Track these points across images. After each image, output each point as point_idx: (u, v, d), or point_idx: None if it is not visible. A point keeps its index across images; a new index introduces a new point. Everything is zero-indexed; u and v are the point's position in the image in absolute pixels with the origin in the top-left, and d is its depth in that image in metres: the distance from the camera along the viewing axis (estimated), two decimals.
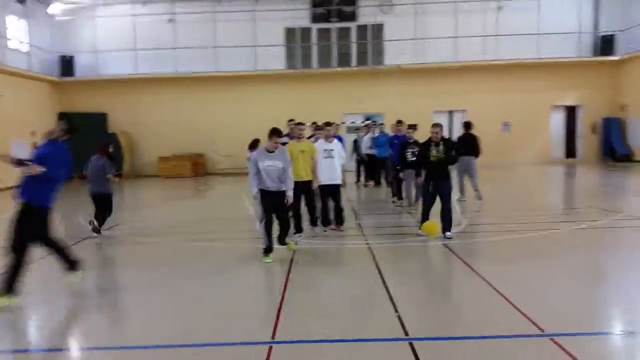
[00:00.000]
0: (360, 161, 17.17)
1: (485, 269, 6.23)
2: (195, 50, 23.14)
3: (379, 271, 6.32)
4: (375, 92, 23.71)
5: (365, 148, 16.12)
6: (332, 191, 8.78)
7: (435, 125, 8.16)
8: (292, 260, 7.00)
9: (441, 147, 8.03)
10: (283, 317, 4.77)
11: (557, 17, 23.05)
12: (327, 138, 9.02)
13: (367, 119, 23.24)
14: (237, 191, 15.82)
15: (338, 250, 7.86)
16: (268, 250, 6.96)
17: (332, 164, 8.71)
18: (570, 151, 24.50)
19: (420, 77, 23.51)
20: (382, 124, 17.29)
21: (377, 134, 15.68)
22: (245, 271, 6.63)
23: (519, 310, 4.74)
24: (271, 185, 6.88)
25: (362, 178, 17.06)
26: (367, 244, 7.94)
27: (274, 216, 7.03)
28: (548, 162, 23.55)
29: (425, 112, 23.82)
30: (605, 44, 23.08)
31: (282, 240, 7.33)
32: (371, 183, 16.27)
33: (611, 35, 23.11)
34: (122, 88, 23.68)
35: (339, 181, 8.84)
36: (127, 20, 23.25)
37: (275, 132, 6.85)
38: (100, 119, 23.66)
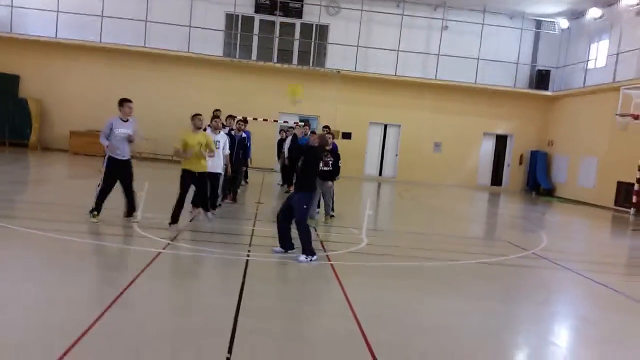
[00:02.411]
0: (284, 164, 16.30)
1: (358, 297, 5.53)
2: (124, 21, 21.42)
3: (241, 290, 5.42)
4: (313, 95, 22.91)
5: (288, 151, 15.23)
6: (213, 179, 9.34)
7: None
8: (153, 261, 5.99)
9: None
10: None
11: (498, 45, 23.23)
12: (215, 130, 9.60)
13: (302, 121, 22.45)
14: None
15: (212, 260, 6.89)
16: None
17: (217, 154, 9.26)
18: (497, 179, 24.77)
19: (359, 86, 22.97)
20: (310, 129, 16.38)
21: (301, 137, 14.81)
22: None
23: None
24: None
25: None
26: (248, 254, 7.04)
27: None
28: (474, 188, 23.65)
29: (360, 122, 23.41)
30: (541, 78, 23.51)
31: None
32: (291, 188, 15.40)
33: (547, 70, 23.56)
34: (39, 51, 21.57)
35: (220, 170, 9.64)
36: None
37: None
38: (10, 80, 21.50)
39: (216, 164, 9.38)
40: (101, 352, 3.79)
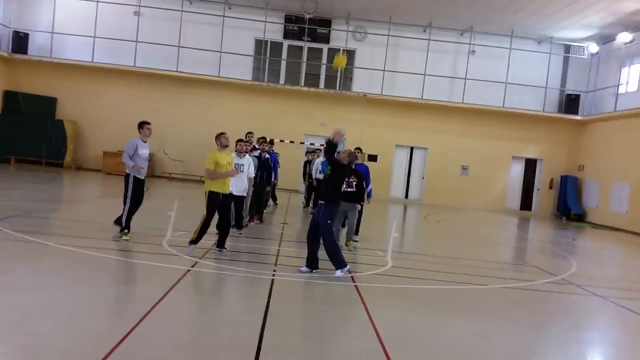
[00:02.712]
0: (310, 185, 16.39)
1: (382, 319, 5.55)
2: (157, 47, 22.22)
3: (266, 310, 5.51)
4: (339, 117, 23.11)
5: (316, 172, 15.22)
6: (238, 201, 9.60)
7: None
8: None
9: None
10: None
11: (526, 69, 23.15)
12: (240, 153, 9.66)
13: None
14: (167, 198, 14.79)
15: (238, 278, 7.01)
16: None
17: (241, 178, 9.41)
18: (526, 203, 24.40)
19: (385, 109, 23.15)
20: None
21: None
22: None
23: None
24: None
25: (312, 203, 16.23)
26: (274, 273, 7.14)
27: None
28: (502, 212, 23.34)
29: (386, 145, 23.50)
30: (570, 103, 23.26)
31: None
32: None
33: (577, 94, 23.32)
34: (76, 74, 22.47)
35: (244, 194, 9.77)
36: (91, 5, 22.17)
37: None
38: (49, 102, 22.43)
39: (241, 187, 9.52)
40: None
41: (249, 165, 9.78)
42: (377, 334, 5.09)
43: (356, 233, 10.47)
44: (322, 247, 7.35)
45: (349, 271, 7.34)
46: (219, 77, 22.55)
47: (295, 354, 4.47)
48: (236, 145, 9.64)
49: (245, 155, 9.83)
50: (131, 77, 22.54)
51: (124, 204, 8.51)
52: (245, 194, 9.80)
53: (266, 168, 11.84)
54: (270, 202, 15.49)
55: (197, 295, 6.35)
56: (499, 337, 5.62)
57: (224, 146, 8.09)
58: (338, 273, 7.21)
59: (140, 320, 4.73)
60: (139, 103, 22.16)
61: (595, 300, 7.77)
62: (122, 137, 22.13)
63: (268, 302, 5.81)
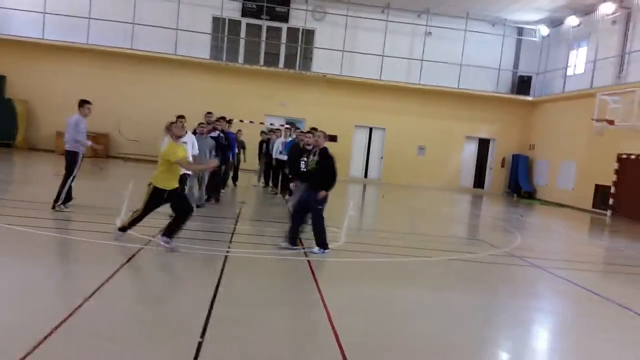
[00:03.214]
0: (268, 164, 16.49)
1: (330, 289, 5.83)
2: (111, 23, 21.61)
3: (217, 283, 5.68)
4: (299, 98, 23.28)
5: (276, 152, 15.06)
6: (181, 181, 8.45)
7: (312, 129, 7.85)
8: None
9: (316, 157, 7.65)
10: None
11: (480, 51, 23.72)
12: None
13: (289, 123, 22.72)
14: (122, 178, 14.62)
15: (192, 256, 7.13)
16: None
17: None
18: (479, 182, 25.23)
19: (345, 90, 23.33)
20: (298, 129, 16.45)
21: (290, 139, 14.75)
22: None
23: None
24: None
25: (270, 182, 16.32)
26: (228, 251, 7.30)
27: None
28: (457, 190, 24.08)
29: (346, 125, 23.74)
30: (522, 84, 24.04)
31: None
32: (277, 190, 15.63)
33: (528, 76, 24.10)
34: (25, 52, 21.67)
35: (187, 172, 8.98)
36: None
37: None
38: None
39: None
40: (79, 338, 4.04)
41: (192, 144, 9.28)
42: (324, 303, 5.35)
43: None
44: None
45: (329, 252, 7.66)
46: (175, 55, 22.18)
47: (242, 324, 4.67)
48: (176, 122, 8.41)
49: (186, 132, 9.09)
50: (84, 54, 21.89)
51: (67, 180, 8.88)
52: (189, 173, 9.06)
53: (220, 147, 11.68)
54: (230, 182, 15.53)
55: (148, 272, 6.45)
56: (437, 302, 5.99)
57: (178, 137, 7.34)
58: (315, 250, 7.58)
59: (89, 297, 4.82)
60: (93, 81, 21.59)
61: (533, 270, 8.28)
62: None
63: (220, 277, 5.98)
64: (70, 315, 4.32)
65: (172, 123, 7.73)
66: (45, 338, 3.83)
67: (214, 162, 8.18)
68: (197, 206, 10.04)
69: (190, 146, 9.07)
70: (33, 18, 21.33)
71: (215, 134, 11.33)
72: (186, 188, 9.84)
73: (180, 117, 8.79)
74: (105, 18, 21.53)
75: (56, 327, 4.03)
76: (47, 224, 7.87)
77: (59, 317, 4.22)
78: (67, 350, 3.81)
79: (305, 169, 9.19)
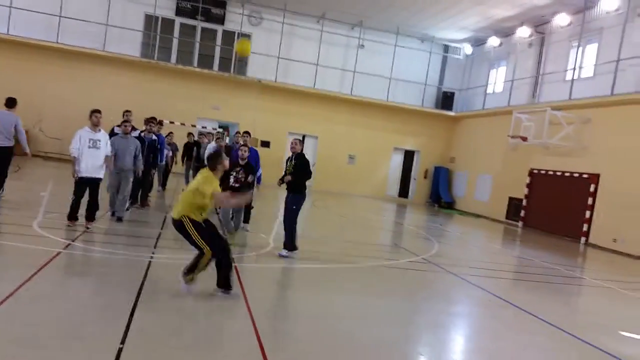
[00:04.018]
0: (197, 168, 16.20)
1: (255, 294, 6.00)
2: (36, 15, 20.57)
3: (140, 288, 5.67)
4: (233, 102, 23.22)
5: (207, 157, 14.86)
6: (93, 185, 8.33)
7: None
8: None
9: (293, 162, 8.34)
10: None
11: (409, 66, 24.80)
12: (95, 127, 8.26)
13: (221, 127, 22.59)
14: (41, 178, 14.02)
15: (115, 260, 7.03)
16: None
17: (97, 155, 8.24)
18: (404, 191, 26.26)
19: (279, 96, 23.55)
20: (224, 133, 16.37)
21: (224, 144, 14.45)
22: None
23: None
24: None
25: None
26: (152, 256, 7.26)
27: None
28: (383, 199, 24.93)
29: (279, 131, 23.93)
30: (446, 99, 25.36)
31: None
32: None
33: (452, 92, 25.46)
34: None
35: (100, 175, 8.44)
36: None
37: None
38: None
39: (97, 166, 8.30)
40: None
41: (106, 142, 8.40)
42: (248, 307, 5.50)
43: (246, 221, 10.47)
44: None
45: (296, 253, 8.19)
46: (104, 51, 21.45)
47: (165, 330, 4.72)
48: (91, 117, 8.32)
49: (100, 129, 8.34)
50: (5, 46, 20.66)
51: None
52: (101, 176, 8.47)
53: (152, 150, 11.41)
54: (158, 186, 15.10)
55: (66, 277, 6.31)
56: (356, 304, 6.31)
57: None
58: (283, 252, 8.06)
59: (2, 302, 4.69)
60: (14, 75, 20.40)
61: (447, 277, 8.85)
62: None
63: (142, 282, 5.96)
64: None
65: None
66: None
67: (249, 197, 7.15)
68: (118, 219, 9.40)
69: (104, 145, 8.34)
70: None
71: (135, 133, 10.65)
72: (109, 195, 9.49)
73: (96, 111, 8.33)
74: (29, 8, 20.45)
75: None
76: None
77: None
78: None
79: (233, 185, 9.19)
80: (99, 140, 8.21)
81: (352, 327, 5.51)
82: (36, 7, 20.63)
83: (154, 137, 11.67)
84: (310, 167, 8.50)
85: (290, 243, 8.18)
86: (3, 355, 3.78)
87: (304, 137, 24.77)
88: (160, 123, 13.17)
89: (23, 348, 3.92)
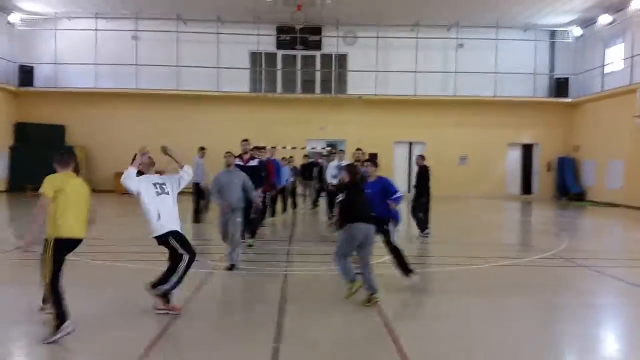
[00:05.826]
0: (320, 190, 16.08)
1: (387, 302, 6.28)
2: (157, 68, 23.09)
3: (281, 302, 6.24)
4: (338, 120, 23.98)
5: (331, 176, 12.73)
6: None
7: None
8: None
9: None
10: None
11: (514, 57, 23.78)
12: (229, 166, 8.18)
13: (329, 146, 23.39)
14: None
15: (254, 278, 7.74)
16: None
17: (167, 202, 5.98)
18: (526, 188, 25.03)
19: (381, 108, 23.87)
20: (341, 150, 16.20)
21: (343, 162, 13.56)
22: None
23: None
24: None
25: (323, 208, 15.87)
26: (285, 270, 7.88)
27: None
28: (503, 198, 23.96)
29: (385, 142, 24.17)
30: (560, 86, 23.90)
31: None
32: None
33: (565, 78, 23.95)
34: (81, 101, 23.39)
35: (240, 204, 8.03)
36: (90, 34, 23.09)
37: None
38: (57, 130, 23.28)
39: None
40: None
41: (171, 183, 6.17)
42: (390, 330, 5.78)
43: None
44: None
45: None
46: (218, 91, 23.41)
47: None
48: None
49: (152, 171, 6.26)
50: (135, 99, 23.42)
51: None
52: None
53: (255, 176, 9.86)
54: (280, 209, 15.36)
55: (224, 295, 7.07)
56: (485, 305, 6.33)
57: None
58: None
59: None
60: (144, 123, 23.00)
61: (579, 270, 8.45)
62: (131, 157, 23.08)
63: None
64: None
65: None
66: None
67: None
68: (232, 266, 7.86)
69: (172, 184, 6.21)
70: (86, 70, 23.07)
71: (255, 162, 10.41)
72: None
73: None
74: (151, 63, 23.05)
75: None
76: None
77: None
78: None
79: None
80: (164, 184, 6.07)
81: (489, 327, 5.58)
82: (156, 61, 23.14)
83: (254, 163, 10.53)
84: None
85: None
86: None
87: (410, 144, 24.81)
88: (262, 148, 12.41)
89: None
